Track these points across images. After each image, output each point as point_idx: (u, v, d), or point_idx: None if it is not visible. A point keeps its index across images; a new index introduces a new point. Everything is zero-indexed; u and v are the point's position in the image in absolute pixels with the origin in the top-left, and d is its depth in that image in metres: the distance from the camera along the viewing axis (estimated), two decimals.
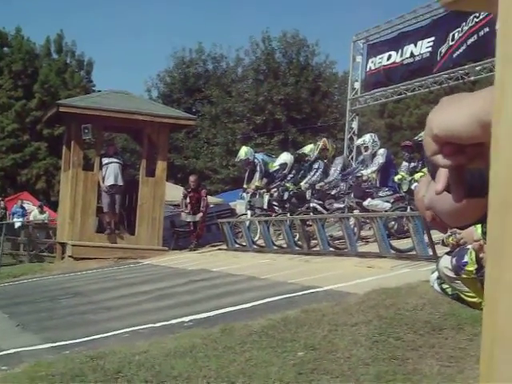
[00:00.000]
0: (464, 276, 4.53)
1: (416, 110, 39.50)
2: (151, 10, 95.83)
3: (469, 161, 0.98)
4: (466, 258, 4.46)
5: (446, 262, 4.72)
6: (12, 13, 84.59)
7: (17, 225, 26.33)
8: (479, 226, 3.91)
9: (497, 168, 0.74)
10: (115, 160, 19.25)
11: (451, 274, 4.69)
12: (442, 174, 1.06)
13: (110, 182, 19.06)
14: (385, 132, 38.86)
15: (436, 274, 5.09)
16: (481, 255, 4.15)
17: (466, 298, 4.88)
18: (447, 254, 4.81)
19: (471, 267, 4.43)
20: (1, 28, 42.64)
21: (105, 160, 19.26)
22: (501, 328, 0.70)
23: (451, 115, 0.96)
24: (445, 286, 5.05)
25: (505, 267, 0.71)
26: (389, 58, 20.42)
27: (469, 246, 4.45)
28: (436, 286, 5.19)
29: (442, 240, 5.02)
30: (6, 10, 77.66)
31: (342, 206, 14.63)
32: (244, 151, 18.13)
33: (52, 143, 37.07)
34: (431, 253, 10.83)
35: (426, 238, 11.17)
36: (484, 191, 1.11)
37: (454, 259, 4.57)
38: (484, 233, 4.01)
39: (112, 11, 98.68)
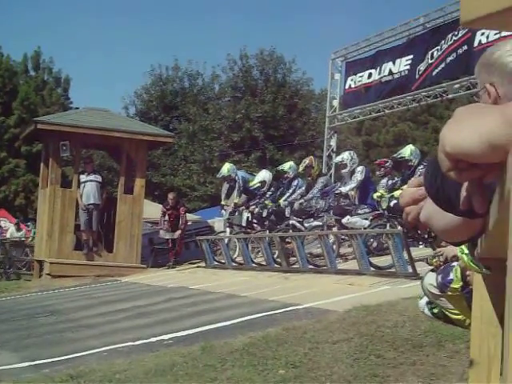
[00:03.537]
0: (449, 293, 4.53)
1: (393, 127, 39.64)
2: (127, 26, 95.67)
3: (483, 175, 1.00)
4: (452, 276, 4.47)
5: (431, 279, 4.72)
6: None
7: None
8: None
9: None
10: (93, 178, 19.16)
11: (436, 291, 4.69)
12: (464, 194, 1.08)
13: (87, 200, 18.96)
14: (362, 149, 38.95)
15: (425, 300, 5.08)
16: (467, 273, 4.16)
17: (450, 315, 4.88)
18: (431, 271, 4.82)
19: (457, 284, 4.44)
20: None
21: (83, 178, 19.16)
22: None
23: (463, 134, 0.97)
24: (435, 310, 5.05)
25: None
26: (369, 76, 20.46)
27: (454, 264, 4.46)
28: (427, 311, 5.18)
29: (426, 259, 5.01)
30: None
31: (320, 223, 14.65)
32: (227, 168, 18.13)
33: (31, 160, 36.90)
34: (411, 270, 10.86)
35: (405, 255, 11.20)
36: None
37: (439, 276, 4.57)
38: None
39: (88, 27, 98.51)
